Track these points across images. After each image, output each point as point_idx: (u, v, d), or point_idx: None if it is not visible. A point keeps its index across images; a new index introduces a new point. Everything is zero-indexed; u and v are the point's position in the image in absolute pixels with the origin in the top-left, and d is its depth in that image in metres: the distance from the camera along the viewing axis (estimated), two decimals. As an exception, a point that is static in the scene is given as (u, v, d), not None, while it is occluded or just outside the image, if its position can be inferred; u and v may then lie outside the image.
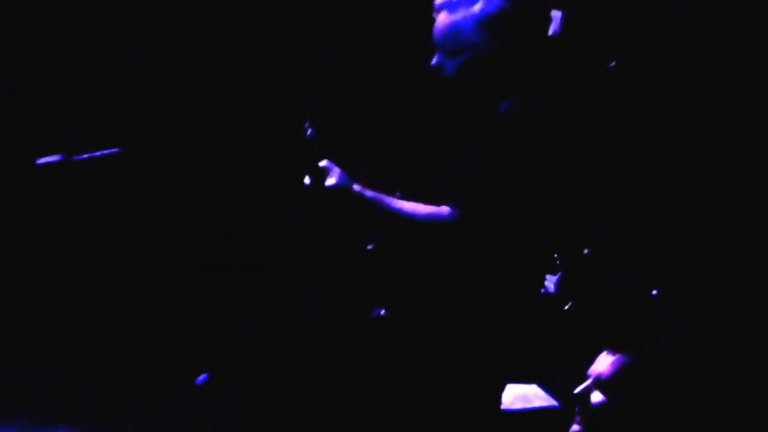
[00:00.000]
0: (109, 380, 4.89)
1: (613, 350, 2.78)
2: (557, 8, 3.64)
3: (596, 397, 2.76)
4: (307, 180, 2.68)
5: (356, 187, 2.70)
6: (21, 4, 4.93)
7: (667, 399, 2.67)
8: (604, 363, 2.80)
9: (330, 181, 2.66)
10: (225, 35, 4.95)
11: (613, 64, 3.86)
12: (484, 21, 2.82)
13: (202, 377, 2.81)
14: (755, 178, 3.34)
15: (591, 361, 2.74)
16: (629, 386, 2.72)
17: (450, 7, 2.85)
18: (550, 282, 3.39)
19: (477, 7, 2.83)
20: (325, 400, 2.87)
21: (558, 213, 3.16)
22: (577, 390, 2.85)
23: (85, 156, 3.07)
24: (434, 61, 2.88)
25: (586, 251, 3.35)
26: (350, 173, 2.79)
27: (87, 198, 5.09)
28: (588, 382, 2.83)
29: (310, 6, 4.98)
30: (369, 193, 2.72)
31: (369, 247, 2.82)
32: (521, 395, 3.27)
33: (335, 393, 2.86)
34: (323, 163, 2.68)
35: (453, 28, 2.83)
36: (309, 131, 2.71)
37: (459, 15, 2.83)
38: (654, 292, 3.06)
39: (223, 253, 4.54)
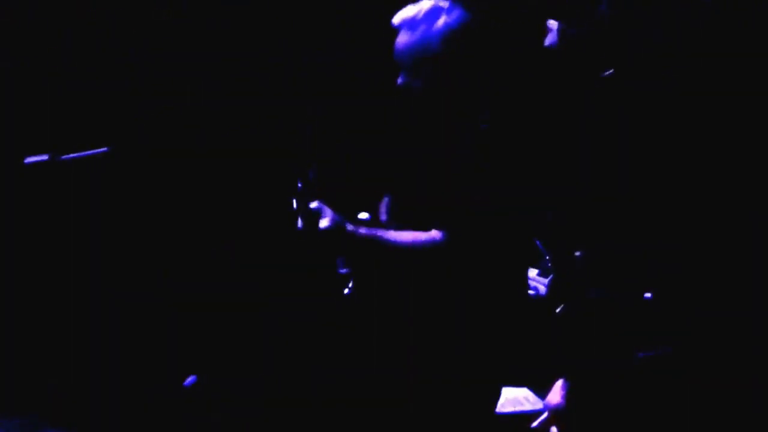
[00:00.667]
0: (104, 381, 4.89)
1: (567, 379, 2.76)
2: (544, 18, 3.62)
3: (554, 430, 2.75)
4: (299, 223, 2.64)
5: (349, 226, 2.66)
6: (12, 4, 4.95)
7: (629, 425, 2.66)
8: (557, 393, 2.78)
9: (323, 223, 2.62)
10: (222, 35, 4.96)
11: (610, 71, 3.83)
12: (449, 35, 2.78)
13: (190, 379, 2.79)
14: (755, 178, 3.31)
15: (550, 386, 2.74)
16: (583, 416, 2.70)
17: (410, 26, 2.81)
18: (542, 284, 3.38)
19: (440, 22, 2.79)
20: (320, 406, 2.85)
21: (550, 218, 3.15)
22: (534, 424, 2.83)
23: (73, 155, 3.06)
24: (400, 80, 2.83)
25: (577, 253, 3.32)
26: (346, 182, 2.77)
27: (75, 198, 5.10)
28: (544, 415, 2.81)
29: (310, 6, 4.99)
30: (362, 230, 2.68)
31: (342, 270, 2.77)
32: (512, 399, 3.26)
33: (330, 399, 2.84)
34: (314, 204, 2.64)
35: (417, 46, 2.79)
36: (311, 175, 2.67)
37: (421, 32, 2.79)
38: (648, 295, 3.03)
39: (213, 256, 4.53)
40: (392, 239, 2.70)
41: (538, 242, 3.46)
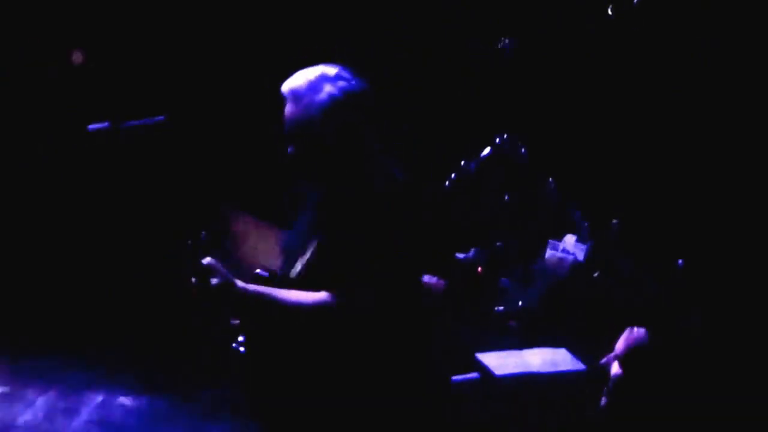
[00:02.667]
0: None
1: (634, 327, 2.89)
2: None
3: (614, 369, 2.90)
4: (192, 279, 2.63)
5: (239, 284, 2.63)
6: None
7: (679, 376, 2.78)
8: (622, 339, 2.92)
9: (213, 280, 2.59)
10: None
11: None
12: (331, 108, 2.69)
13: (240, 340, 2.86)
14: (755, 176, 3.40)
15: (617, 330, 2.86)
16: (643, 362, 2.83)
17: (294, 98, 2.71)
18: (580, 251, 3.49)
19: (324, 93, 2.69)
20: None
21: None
22: (603, 360, 2.98)
23: (132, 123, 3.15)
24: (290, 150, 2.74)
25: (614, 221, 3.43)
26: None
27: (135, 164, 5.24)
28: (611, 354, 2.96)
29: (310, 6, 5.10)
30: (252, 288, 2.65)
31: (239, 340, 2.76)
32: (550, 360, 3.36)
33: None
34: (206, 261, 2.60)
35: (303, 119, 2.70)
36: (203, 235, 2.65)
37: (305, 103, 2.70)
38: (680, 261, 3.12)
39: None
40: (282, 296, 2.65)
41: (576, 212, 3.56)
